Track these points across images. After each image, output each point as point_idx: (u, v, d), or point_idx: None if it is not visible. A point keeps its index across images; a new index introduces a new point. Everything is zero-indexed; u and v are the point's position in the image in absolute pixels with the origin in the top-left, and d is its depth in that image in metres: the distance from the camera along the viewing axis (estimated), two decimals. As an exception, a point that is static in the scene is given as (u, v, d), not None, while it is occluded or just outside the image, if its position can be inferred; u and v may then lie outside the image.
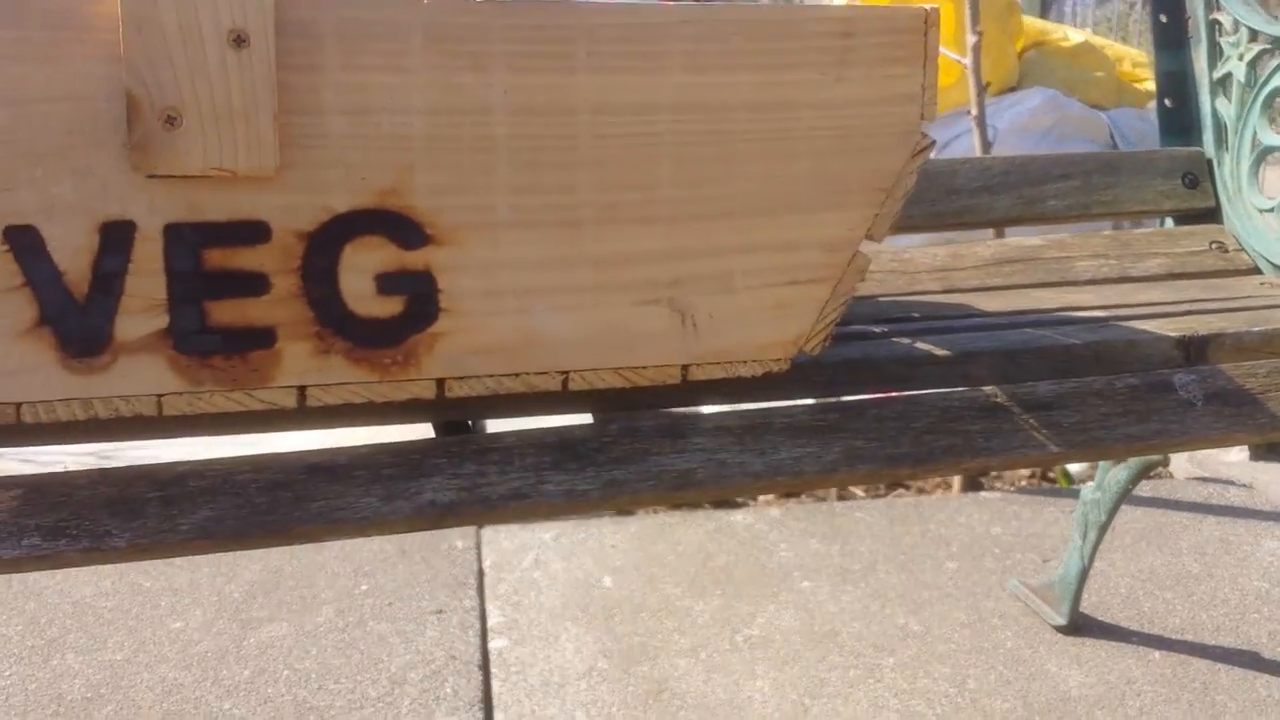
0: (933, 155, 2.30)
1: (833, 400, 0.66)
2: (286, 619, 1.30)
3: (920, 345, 0.71)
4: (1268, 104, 0.95)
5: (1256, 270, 0.94)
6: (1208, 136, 1.00)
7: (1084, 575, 1.24)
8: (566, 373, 0.58)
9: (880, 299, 0.84)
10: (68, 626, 1.28)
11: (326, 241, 0.53)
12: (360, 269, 0.54)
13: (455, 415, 0.64)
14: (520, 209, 0.55)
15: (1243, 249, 0.95)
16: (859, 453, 0.63)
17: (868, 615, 1.30)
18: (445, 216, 0.55)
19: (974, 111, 1.71)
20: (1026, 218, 0.96)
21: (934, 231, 1.05)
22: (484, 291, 0.56)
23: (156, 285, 0.52)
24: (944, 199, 0.93)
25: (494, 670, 1.20)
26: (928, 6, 0.58)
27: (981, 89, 1.70)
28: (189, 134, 0.50)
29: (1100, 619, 1.29)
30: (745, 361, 0.60)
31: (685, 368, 0.59)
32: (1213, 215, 0.99)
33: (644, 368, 0.59)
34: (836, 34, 0.57)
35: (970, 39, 1.70)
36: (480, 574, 1.41)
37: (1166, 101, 1.04)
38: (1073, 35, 3.14)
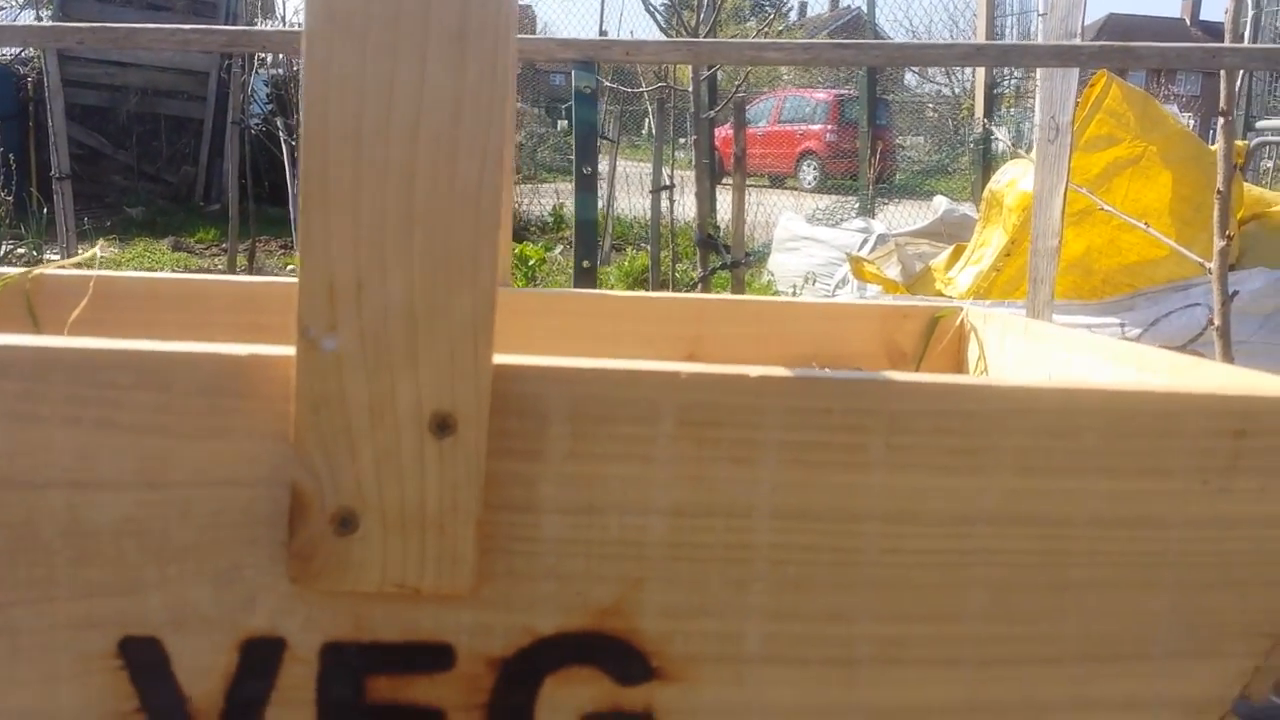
0: (1138, 334, 2.04)
1: None
2: None
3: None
4: None
5: None
6: None
7: None
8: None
9: None
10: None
11: (524, 672, 0.40)
12: (562, 708, 0.41)
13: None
14: (777, 639, 0.41)
15: None
16: None
17: None
18: (678, 645, 0.41)
19: (1217, 322, 1.52)
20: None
21: None
22: (720, 742, 0.42)
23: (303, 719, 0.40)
24: None
25: None
26: (1352, 397, 0.43)
27: (1227, 300, 1.50)
28: (366, 543, 0.38)
29: None
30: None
31: None
32: None
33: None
34: (1226, 431, 0.42)
35: (1218, 243, 1.51)
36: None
37: None
38: (1297, 208, 2.88)
